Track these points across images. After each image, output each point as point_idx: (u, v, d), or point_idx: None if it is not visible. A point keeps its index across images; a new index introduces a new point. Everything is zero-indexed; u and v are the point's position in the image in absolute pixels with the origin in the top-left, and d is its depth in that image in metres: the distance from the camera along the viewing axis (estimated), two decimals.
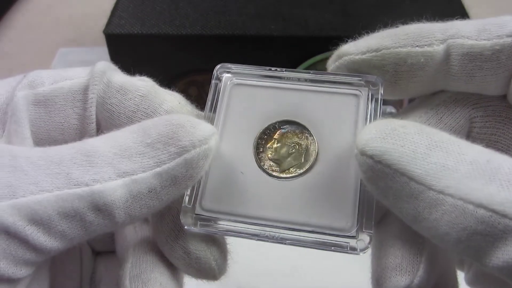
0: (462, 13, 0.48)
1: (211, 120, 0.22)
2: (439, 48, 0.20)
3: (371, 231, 0.19)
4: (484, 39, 0.20)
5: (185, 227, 0.20)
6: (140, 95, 0.22)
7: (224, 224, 0.20)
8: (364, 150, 0.17)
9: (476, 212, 0.16)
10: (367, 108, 0.21)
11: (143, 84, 0.22)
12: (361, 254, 0.19)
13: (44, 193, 0.17)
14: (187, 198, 0.21)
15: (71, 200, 0.17)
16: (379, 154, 0.17)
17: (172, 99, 0.22)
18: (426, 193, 0.17)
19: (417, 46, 0.20)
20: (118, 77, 0.22)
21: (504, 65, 0.20)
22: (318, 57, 0.47)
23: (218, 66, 0.23)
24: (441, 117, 0.21)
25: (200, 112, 0.23)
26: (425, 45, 0.20)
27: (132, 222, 0.19)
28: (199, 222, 0.20)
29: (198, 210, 0.21)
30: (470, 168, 0.16)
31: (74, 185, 0.17)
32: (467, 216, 0.16)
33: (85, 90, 0.22)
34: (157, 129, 0.18)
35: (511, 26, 0.19)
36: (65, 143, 0.19)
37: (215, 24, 0.47)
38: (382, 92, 0.21)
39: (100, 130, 0.22)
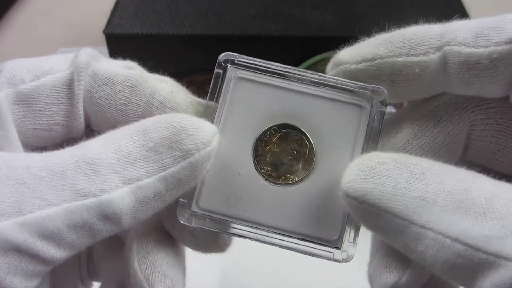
0: (462, 14, 0.48)
1: (212, 110, 0.22)
2: (434, 57, 0.20)
3: (356, 243, 0.20)
4: (482, 46, 0.19)
5: (181, 222, 0.21)
6: (130, 86, 0.21)
7: (218, 224, 0.21)
8: (347, 192, 0.18)
9: (453, 246, 0.16)
10: (369, 120, 0.21)
11: (131, 73, 0.21)
12: (343, 264, 0.20)
13: (52, 207, 0.17)
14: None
15: (79, 212, 0.17)
16: (361, 195, 0.18)
17: (163, 87, 0.22)
18: (410, 227, 0.17)
19: (412, 54, 0.20)
20: (103, 66, 0.21)
21: (503, 73, 0.19)
22: (318, 57, 0.47)
23: (223, 54, 0.22)
24: (438, 120, 0.21)
25: (195, 98, 0.23)
26: (420, 54, 0.20)
27: (137, 223, 0.19)
28: (194, 219, 0.21)
29: (194, 208, 0.21)
30: (448, 200, 0.17)
31: (81, 196, 0.17)
32: (446, 250, 0.16)
33: (70, 85, 0.21)
34: (159, 132, 0.18)
35: (510, 30, 0.19)
36: (53, 140, 0.18)
37: (215, 24, 0.47)
38: (387, 103, 0.21)
39: (90, 124, 0.22)
